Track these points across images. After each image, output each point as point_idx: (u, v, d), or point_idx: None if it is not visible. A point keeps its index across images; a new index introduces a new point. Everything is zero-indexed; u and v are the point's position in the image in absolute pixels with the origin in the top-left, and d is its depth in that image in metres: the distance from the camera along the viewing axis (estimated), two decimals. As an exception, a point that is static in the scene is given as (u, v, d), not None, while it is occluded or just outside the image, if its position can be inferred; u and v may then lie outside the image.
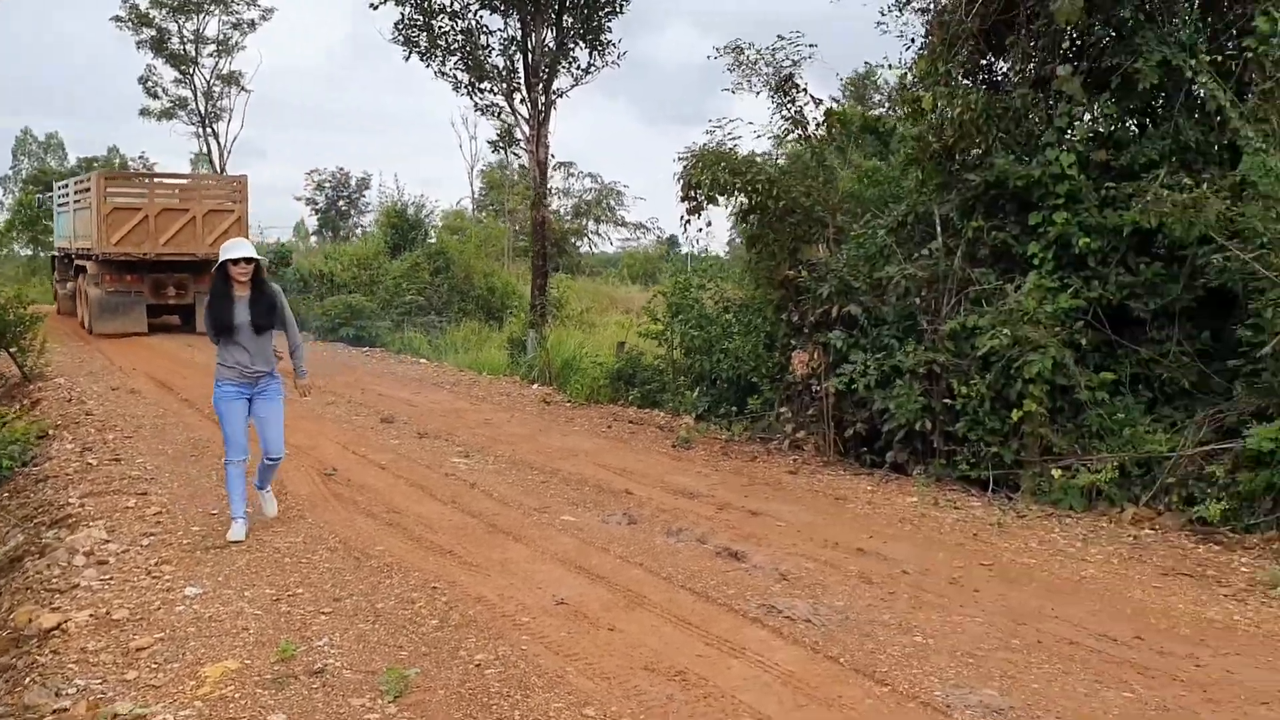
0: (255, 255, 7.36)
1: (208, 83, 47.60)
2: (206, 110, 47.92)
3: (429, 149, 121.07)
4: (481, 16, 20.20)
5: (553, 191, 48.17)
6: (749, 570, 6.78)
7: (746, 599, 6.18)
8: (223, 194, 23.19)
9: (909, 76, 10.91)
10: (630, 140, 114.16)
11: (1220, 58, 8.98)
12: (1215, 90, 8.73)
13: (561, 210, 48.08)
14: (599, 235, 50.77)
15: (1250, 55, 8.69)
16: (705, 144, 12.26)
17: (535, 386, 16.43)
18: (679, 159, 12.28)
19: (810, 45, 12.62)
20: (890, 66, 11.44)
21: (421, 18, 20.22)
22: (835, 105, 12.70)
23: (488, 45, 20.24)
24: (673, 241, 48.73)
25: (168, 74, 47.44)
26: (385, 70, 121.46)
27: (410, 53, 20.39)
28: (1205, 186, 8.49)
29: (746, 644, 5.45)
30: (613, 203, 49.94)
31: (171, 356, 19.23)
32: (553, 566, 6.84)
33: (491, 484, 9.26)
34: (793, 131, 12.81)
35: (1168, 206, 8.60)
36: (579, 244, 51.08)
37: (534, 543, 7.39)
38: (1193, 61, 8.82)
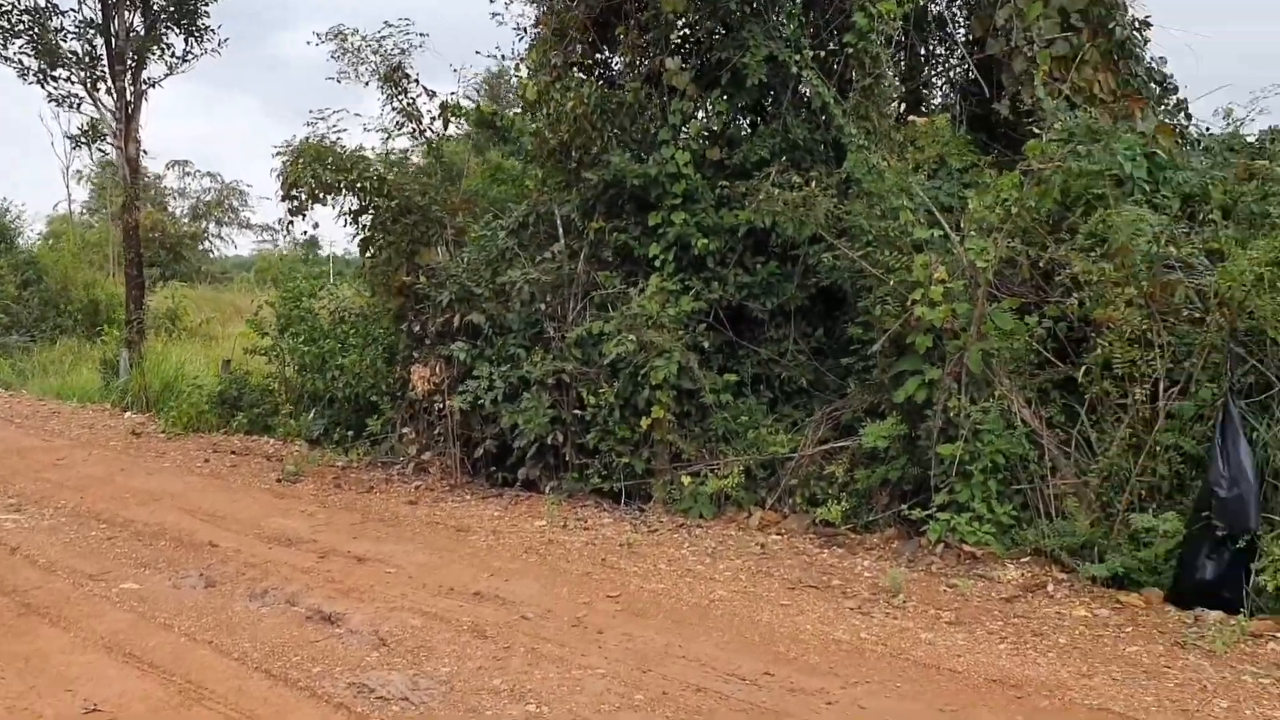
0: None
1: None
2: None
3: (27, 147, 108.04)
4: (52, -6, 17.54)
5: (166, 192, 44.06)
6: (344, 636, 5.78)
7: (335, 677, 5.19)
8: None
9: (522, 69, 10.29)
10: (262, 139, 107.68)
11: (823, 54, 9.00)
12: (819, 87, 8.70)
13: (178, 212, 43.95)
14: (221, 239, 46.92)
15: (850, 52, 8.74)
16: (307, 138, 11.07)
17: (128, 415, 14.38)
18: (277, 154, 11.03)
19: (421, 35, 11.77)
20: (504, 58, 10.78)
21: (-25, -9, 17.25)
22: (452, 98, 11.84)
23: (60, 27, 17.60)
24: (313, 243, 45.80)
25: None
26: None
27: (-41, 32, 17.33)
28: (814, 185, 8.42)
29: (327, 743, 4.48)
30: (235, 203, 46.29)
31: None
32: (95, 656, 5.50)
33: (41, 546, 7.62)
34: (406, 125, 11.84)
35: (779, 205, 8.47)
36: (209, 249, 47.21)
37: (77, 624, 5.98)
38: (797, 57, 8.75)
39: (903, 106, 10.60)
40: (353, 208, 10.90)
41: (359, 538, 7.91)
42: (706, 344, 9.00)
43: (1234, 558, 6.11)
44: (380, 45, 11.70)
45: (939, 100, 10.91)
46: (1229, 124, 8.70)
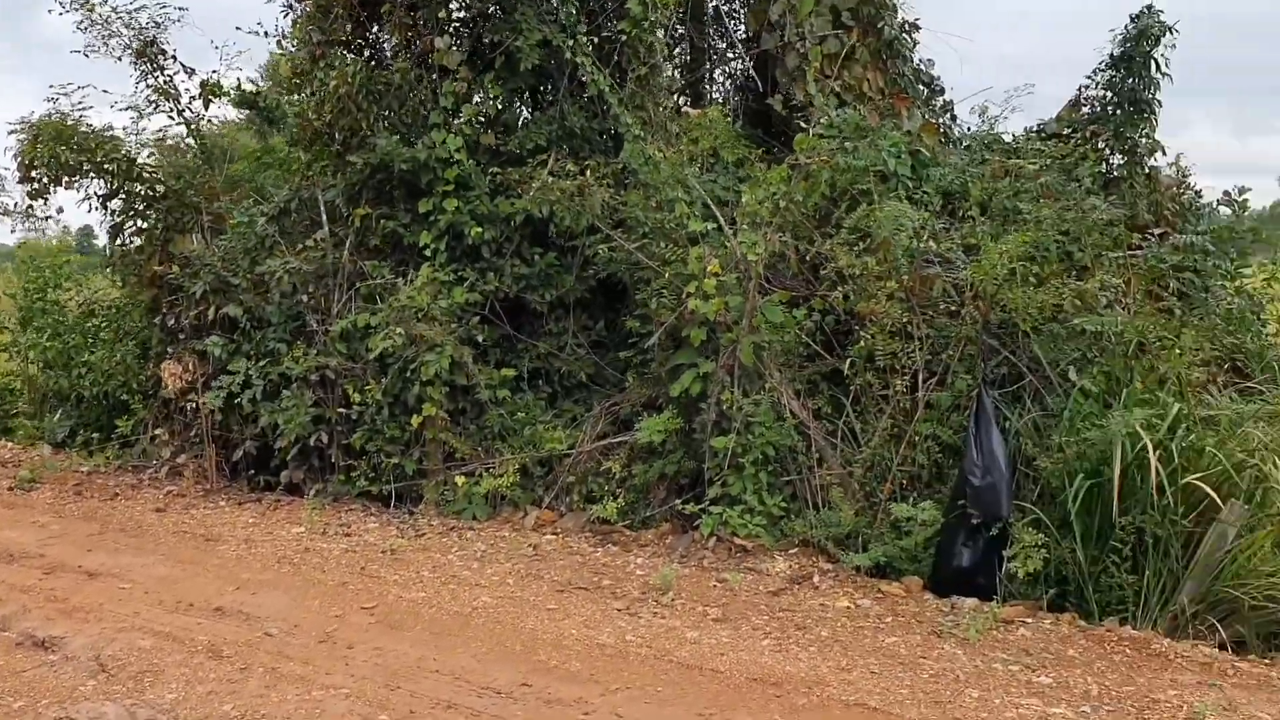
0: None
1: None
2: None
3: None
4: None
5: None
6: (57, 664, 5.19)
7: (39, 712, 4.62)
8: None
9: (284, 45, 9.67)
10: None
11: (599, 40, 8.82)
12: (594, 74, 8.50)
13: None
14: (-29, 226, 43.16)
15: (625, 39, 8.58)
16: (48, 114, 10.13)
17: None
18: (12, 132, 10.06)
19: (180, 9, 10.89)
20: (267, 35, 10.07)
21: None
22: (214, 77, 11.01)
23: None
24: (87, 231, 42.54)
25: None
26: None
27: None
28: (589, 174, 8.22)
29: (14, 792, 3.95)
30: (-12, 187, 42.52)
31: None
32: None
33: None
34: (162, 104, 10.95)
35: (556, 195, 8.24)
36: (-42, 236, 43.26)
37: None
38: (571, 43, 8.53)
39: (685, 100, 10.56)
40: (100, 192, 10.10)
41: (94, 550, 7.21)
42: (482, 337, 8.67)
43: (988, 545, 6.27)
44: (133, 18, 10.76)
45: (719, 95, 10.92)
46: (984, 122, 9.04)
